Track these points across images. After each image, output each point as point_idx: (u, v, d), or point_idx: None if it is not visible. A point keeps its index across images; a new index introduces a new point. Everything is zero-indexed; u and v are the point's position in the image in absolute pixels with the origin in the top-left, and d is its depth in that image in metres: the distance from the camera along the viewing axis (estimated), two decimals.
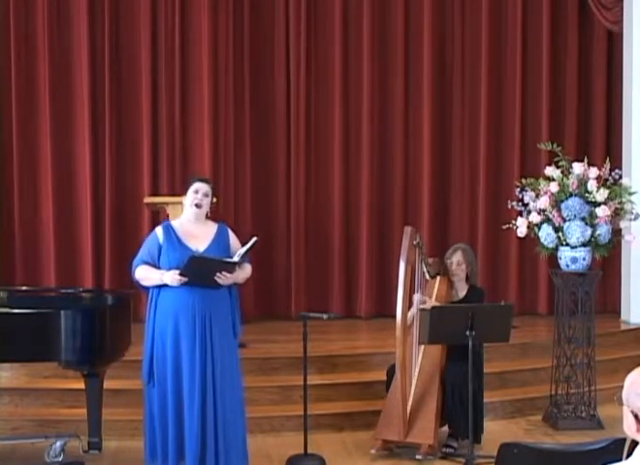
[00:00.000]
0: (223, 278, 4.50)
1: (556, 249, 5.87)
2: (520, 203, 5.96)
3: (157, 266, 4.58)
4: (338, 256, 8.44)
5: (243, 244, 4.68)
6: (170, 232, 4.62)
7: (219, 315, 4.58)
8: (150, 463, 4.59)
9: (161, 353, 4.52)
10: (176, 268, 4.47)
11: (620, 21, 8.23)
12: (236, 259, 4.55)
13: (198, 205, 4.64)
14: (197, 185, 4.66)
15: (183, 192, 4.77)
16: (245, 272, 4.69)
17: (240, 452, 4.62)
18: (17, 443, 5.41)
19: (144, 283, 4.62)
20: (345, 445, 5.59)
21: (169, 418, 4.48)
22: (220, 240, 4.67)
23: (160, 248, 4.59)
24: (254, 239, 4.59)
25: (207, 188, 4.68)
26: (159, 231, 4.66)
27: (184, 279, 4.44)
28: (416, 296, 5.46)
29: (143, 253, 4.65)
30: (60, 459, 5.10)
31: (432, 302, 5.41)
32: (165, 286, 4.51)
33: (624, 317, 8.14)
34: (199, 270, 4.47)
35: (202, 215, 4.68)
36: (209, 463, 4.48)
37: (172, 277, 4.45)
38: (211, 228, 4.71)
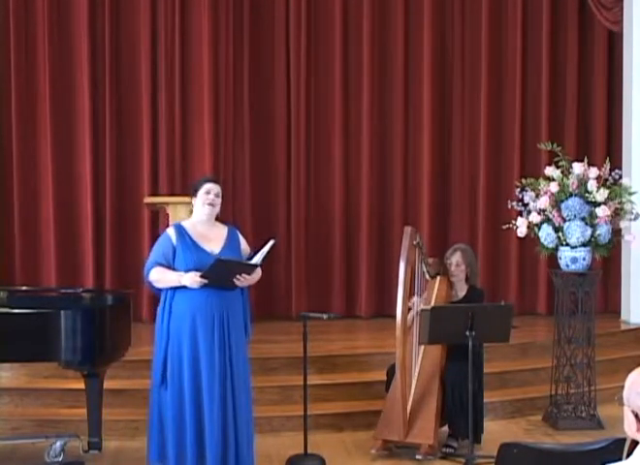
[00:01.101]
0: (242, 280, 4.49)
1: (556, 249, 5.87)
2: (520, 203, 5.95)
3: (172, 268, 4.52)
4: (338, 256, 8.45)
5: (253, 248, 4.67)
6: (183, 233, 4.55)
7: (235, 315, 4.55)
8: (155, 463, 4.58)
9: (177, 354, 4.46)
10: (194, 270, 4.42)
11: (620, 21, 8.23)
12: (258, 261, 4.54)
13: (211, 204, 4.59)
14: (208, 186, 4.61)
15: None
16: (258, 274, 4.66)
17: (251, 452, 4.61)
18: (17, 443, 5.40)
19: (159, 285, 4.55)
20: (345, 445, 5.59)
21: (186, 418, 4.43)
22: (232, 243, 4.64)
23: (174, 249, 4.53)
24: (272, 242, 4.54)
25: (218, 189, 4.64)
26: (171, 232, 4.60)
27: (205, 281, 4.40)
28: (416, 298, 5.45)
29: (156, 254, 4.57)
30: (60, 459, 5.10)
31: (430, 306, 5.40)
32: (180, 287, 4.46)
33: (624, 317, 8.14)
34: (221, 273, 4.44)
35: (214, 215, 4.64)
36: (230, 463, 4.46)
37: (192, 279, 4.40)
38: (222, 230, 4.68)
